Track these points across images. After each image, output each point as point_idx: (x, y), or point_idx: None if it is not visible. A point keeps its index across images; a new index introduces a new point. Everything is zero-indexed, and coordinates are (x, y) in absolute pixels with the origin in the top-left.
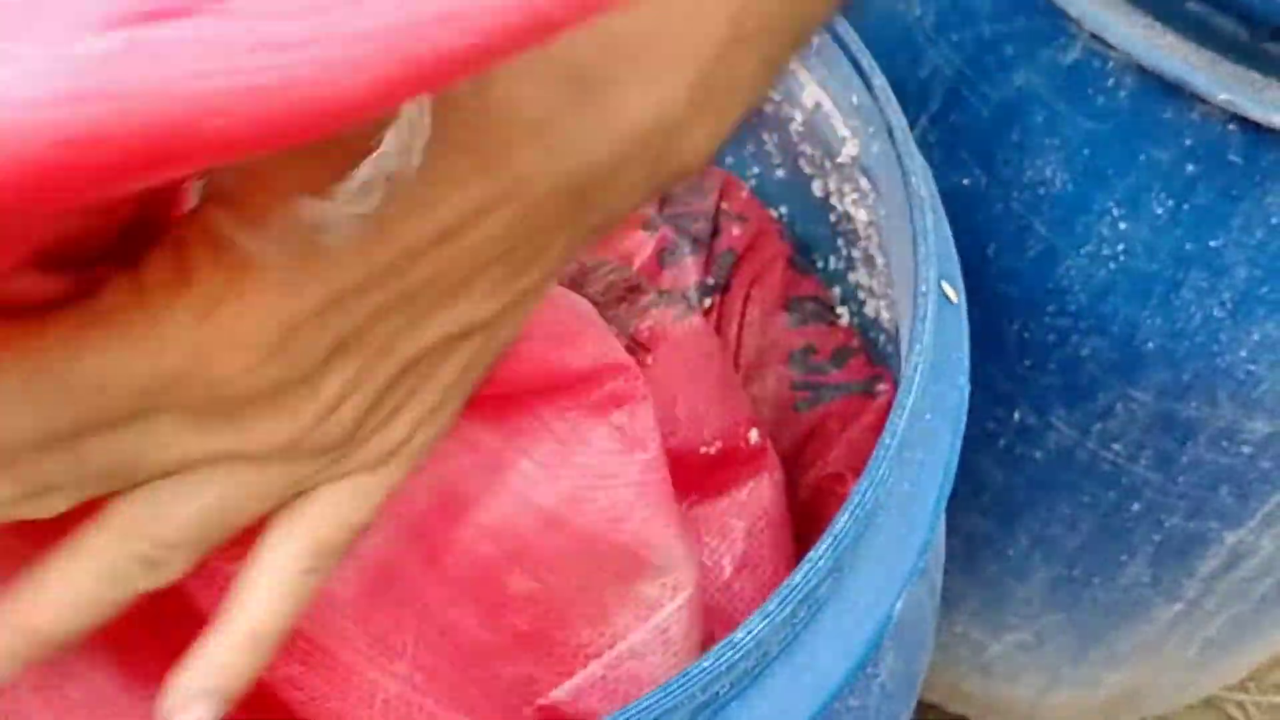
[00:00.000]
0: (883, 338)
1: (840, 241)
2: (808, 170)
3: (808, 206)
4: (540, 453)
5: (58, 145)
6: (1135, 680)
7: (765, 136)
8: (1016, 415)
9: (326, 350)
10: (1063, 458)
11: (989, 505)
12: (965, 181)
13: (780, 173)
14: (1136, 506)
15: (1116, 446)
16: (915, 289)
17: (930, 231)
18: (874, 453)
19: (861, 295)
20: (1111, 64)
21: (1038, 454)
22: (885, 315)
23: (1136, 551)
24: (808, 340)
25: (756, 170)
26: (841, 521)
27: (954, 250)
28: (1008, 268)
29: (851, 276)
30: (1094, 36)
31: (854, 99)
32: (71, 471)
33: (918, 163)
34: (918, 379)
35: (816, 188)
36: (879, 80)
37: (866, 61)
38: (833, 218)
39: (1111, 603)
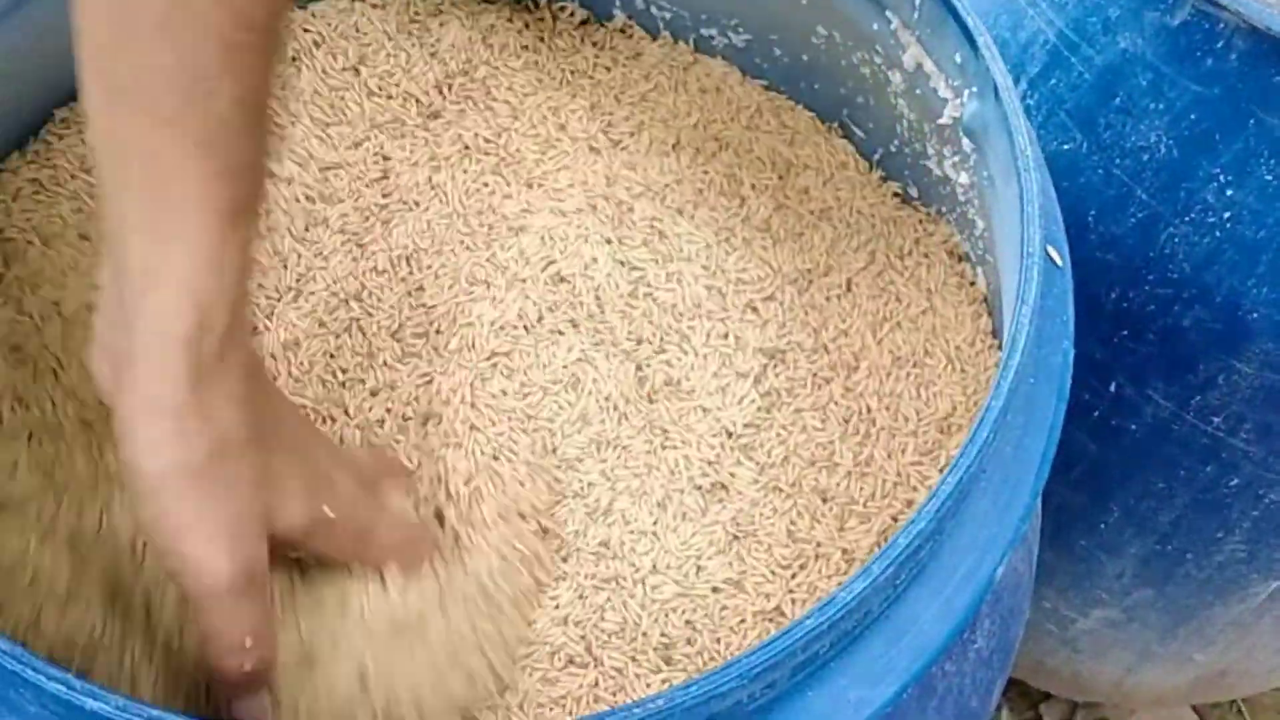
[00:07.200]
0: None
1: (937, 206)
2: (905, 133)
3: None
4: None
5: None
6: (1226, 660)
7: (861, 100)
8: (1112, 386)
9: None
10: (1159, 430)
11: (1081, 478)
12: (1065, 146)
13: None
14: (1235, 481)
15: (1216, 419)
16: (1022, 251)
17: (1037, 193)
18: (978, 416)
19: None
20: (1222, 25)
21: (1133, 426)
22: (982, 281)
23: (1234, 527)
24: None
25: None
26: (946, 484)
27: (1059, 213)
28: (1107, 234)
29: None
30: None
31: (957, 58)
32: None
33: (1023, 122)
34: (1023, 342)
35: (913, 150)
36: (984, 38)
37: (972, 20)
38: (929, 181)
39: (1205, 579)
